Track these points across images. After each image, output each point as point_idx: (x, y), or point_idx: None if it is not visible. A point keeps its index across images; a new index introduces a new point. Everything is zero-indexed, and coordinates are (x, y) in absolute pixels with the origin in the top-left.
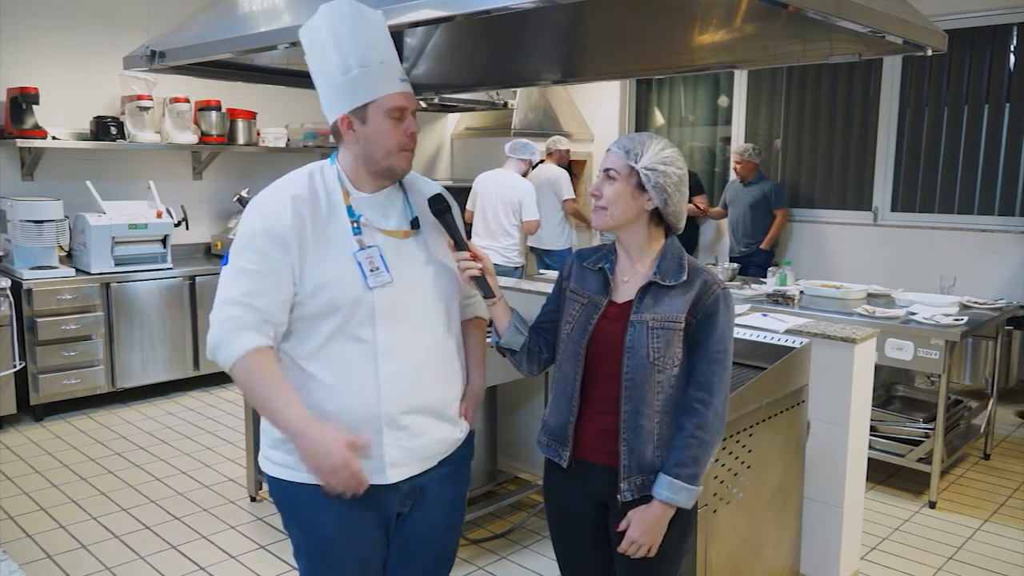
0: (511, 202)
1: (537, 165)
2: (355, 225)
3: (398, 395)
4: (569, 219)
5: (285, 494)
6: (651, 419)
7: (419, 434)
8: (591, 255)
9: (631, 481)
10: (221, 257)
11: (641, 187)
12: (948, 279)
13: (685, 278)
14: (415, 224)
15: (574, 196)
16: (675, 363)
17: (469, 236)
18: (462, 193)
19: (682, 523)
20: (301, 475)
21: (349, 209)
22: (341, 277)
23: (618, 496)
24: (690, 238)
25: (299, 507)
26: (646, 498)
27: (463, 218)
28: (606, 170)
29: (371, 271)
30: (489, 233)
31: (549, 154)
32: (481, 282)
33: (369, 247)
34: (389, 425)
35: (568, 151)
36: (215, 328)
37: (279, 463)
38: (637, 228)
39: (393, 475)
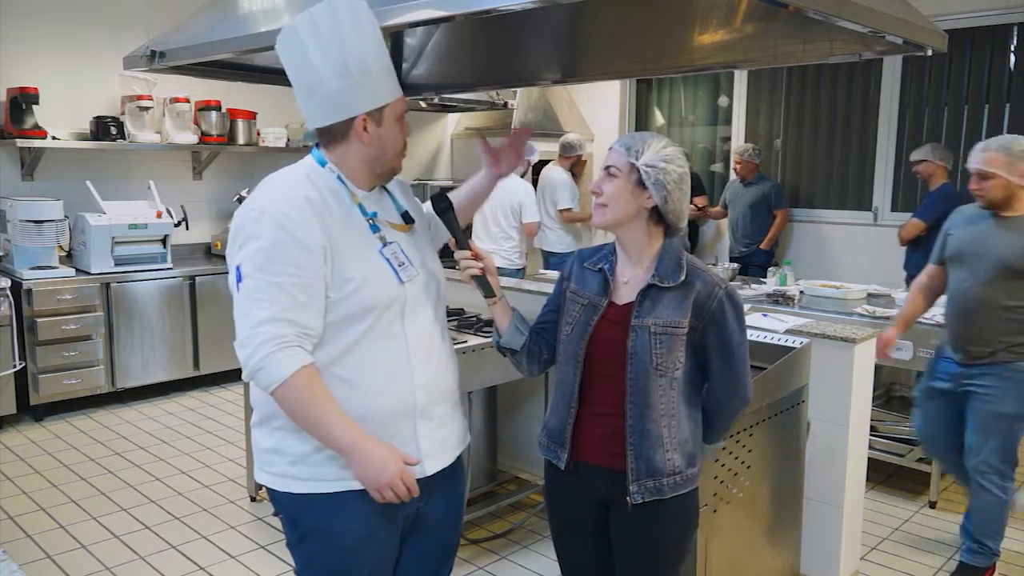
0: (510, 204)
1: (546, 164)
2: (372, 223)
3: (427, 385)
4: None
5: (306, 508)
6: (658, 423)
7: (445, 423)
8: (592, 255)
9: (641, 484)
10: (222, 257)
11: (641, 184)
12: None
13: (684, 278)
14: (408, 219)
15: (570, 206)
16: (677, 366)
17: (469, 237)
18: None
19: (683, 527)
20: (332, 484)
21: (361, 207)
22: (373, 276)
23: (627, 499)
24: (690, 238)
25: (321, 518)
26: (656, 501)
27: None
28: (607, 167)
29: (399, 266)
30: (490, 236)
31: (566, 157)
32: (482, 281)
33: (391, 242)
34: (422, 416)
35: (580, 156)
36: (255, 350)
37: (306, 477)
38: (636, 227)
39: (429, 467)
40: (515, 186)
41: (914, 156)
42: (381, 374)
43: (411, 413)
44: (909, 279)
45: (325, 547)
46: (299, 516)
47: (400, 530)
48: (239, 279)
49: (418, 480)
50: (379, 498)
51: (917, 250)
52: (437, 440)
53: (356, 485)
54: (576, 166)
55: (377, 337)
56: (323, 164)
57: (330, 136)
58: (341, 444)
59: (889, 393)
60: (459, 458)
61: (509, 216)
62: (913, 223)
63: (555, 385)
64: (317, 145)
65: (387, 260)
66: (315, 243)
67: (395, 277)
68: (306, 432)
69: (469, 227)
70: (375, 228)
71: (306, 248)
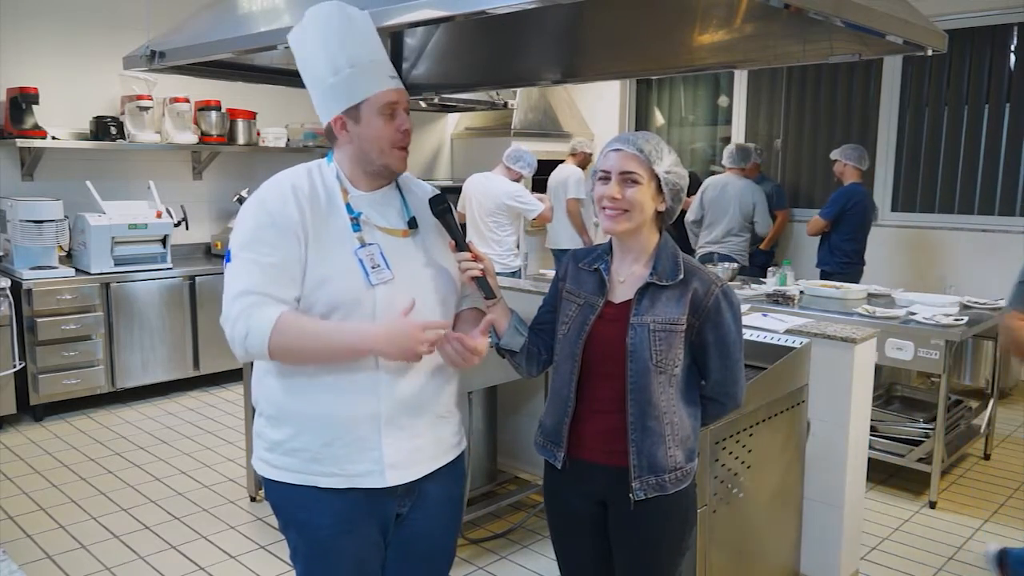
0: (501, 207)
1: (558, 165)
2: (354, 222)
3: (399, 395)
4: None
5: (283, 497)
6: (660, 421)
7: (419, 435)
8: (586, 255)
9: (643, 481)
10: (222, 257)
11: (659, 190)
12: (949, 279)
13: (682, 277)
14: (413, 224)
15: (581, 197)
16: (676, 363)
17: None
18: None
19: (682, 522)
20: (299, 476)
21: (348, 206)
22: (342, 273)
23: (630, 495)
24: (688, 239)
25: (296, 509)
26: (658, 497)
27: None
28: (626, 173)
29: (372, 268)
30: (483, 240)
31: (573, 154)
32: (482, 283)
33: (369, 244)
34: (388, 425)
35: (590, 154)
36: (235, 321)
37: (277, 465)
38: (643, 229)
39: (392, 478)
40: (505, 188)
41: (831, 155)
42: (346, 374)
43: (376, 419)
44: (822, 275)
45: (304, 540)
46: (280, 505)
47: (381, 528)
48: (227, 260)
49: (399, 485)
50: (422, 354)
51: (823, 246)
52: (406, 451)
53: (322, 482)
54: (583, 163)
55: None
56: (330, 161)
57: (329, 136)
58: (360, 347)
59: (889, 393)
60: (455, 462)
61: (500, 218)
62: (815, 220)
63: (552, 384)
64: None
65: (360, 260)
66: (290, 223)
67: (365, 278)
68: (324, 361)
69: (463, 228)
70: (356, 227)
71: (281, 229)
